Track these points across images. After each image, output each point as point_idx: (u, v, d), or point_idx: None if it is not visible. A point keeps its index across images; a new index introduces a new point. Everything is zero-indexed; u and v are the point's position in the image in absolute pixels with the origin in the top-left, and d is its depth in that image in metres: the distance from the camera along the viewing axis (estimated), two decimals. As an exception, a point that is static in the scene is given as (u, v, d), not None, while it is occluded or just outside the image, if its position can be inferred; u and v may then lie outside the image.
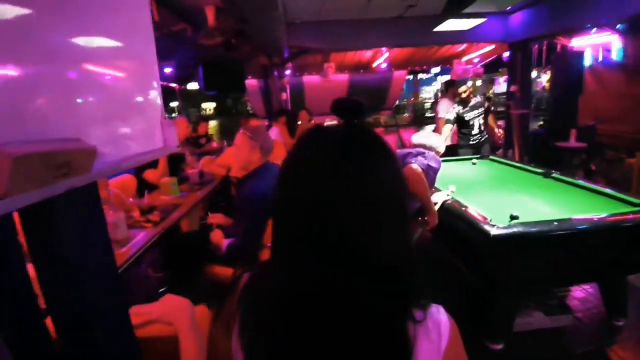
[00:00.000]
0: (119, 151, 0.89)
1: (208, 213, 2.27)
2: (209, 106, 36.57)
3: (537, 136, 5.69)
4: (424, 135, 2.43)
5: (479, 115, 4.22)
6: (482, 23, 4.85)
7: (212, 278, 2.10)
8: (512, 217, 2.08)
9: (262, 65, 5.83)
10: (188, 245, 2.26)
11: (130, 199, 2.25)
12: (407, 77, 23.02)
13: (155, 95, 1.10)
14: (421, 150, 2.28)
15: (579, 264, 2.01)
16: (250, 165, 2.05)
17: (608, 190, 2.47)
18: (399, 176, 0.52)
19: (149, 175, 2.92)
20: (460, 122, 4.25)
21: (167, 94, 10.42)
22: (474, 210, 2.22)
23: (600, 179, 4.73)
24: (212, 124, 30.44)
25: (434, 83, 26.80)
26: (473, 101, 4.22)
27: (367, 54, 8.07)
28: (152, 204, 2.31)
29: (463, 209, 2.27)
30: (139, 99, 1.06)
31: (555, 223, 1.92)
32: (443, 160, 3.93)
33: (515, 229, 1.90)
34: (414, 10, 5.27)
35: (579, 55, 5.43)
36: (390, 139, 7.92)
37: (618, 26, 4.56)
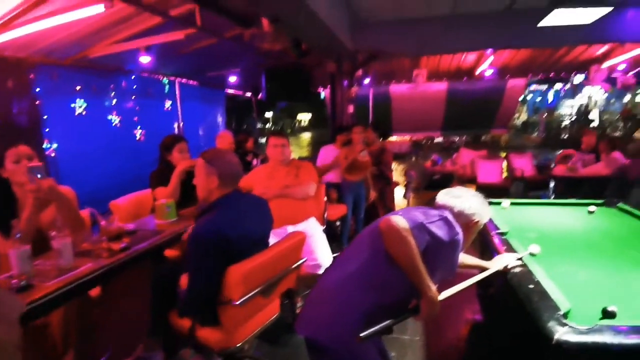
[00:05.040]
0: None
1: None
2: (304, 117, 38.84)
3: None
4: (455, 195, 1.79)
5: None
6: (614, 15, 3.96)
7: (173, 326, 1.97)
8: (606, 314, 1.47)
9: (329, 73, 5.75)
10: (164, 283, 2.16)
11: (104, 222, 2.25)
12: (537, 87, 20.96)
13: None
14: (445, 214, 1.66)
15: None
16: (212, 196, 1.88)
17: None
18: None
19: (159, 193, 2.96)
20: None
21: (245, 105, 11.05)
22: (549, 289, 1.64)
23: None
24: (306, 135, 32.01)
25: (578, 96, 23.70)
26: None
27: (469, 57, 7.42)
28: (123, 229, 2.29)
29: (530, 286, 1.71)
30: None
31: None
32: (543, 204, 3.31)
33: (599, 336, 1.31)
34: (520, 2, 4.63)
35: None
36: (494, 166, 7.02)
37: None
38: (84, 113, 5.08)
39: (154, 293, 2.14)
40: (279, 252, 1.99)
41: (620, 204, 3.10)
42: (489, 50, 6.25)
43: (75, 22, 3.68)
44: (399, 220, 1.50)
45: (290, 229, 2.93)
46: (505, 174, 7.08)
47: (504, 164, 7.16)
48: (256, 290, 1.84)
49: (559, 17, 3.53)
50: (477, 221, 1.78)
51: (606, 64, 7.15)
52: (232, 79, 6.85)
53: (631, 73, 7.21)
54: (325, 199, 4.02)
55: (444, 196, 1.81)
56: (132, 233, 2.32)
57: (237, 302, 1.74)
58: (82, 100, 5.05)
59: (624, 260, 2.13)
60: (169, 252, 2.77)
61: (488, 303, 2.78)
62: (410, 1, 4.87)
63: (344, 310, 1.55)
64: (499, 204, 3.20)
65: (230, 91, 8.11)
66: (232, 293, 1.75)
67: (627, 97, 21.33)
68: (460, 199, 1.76)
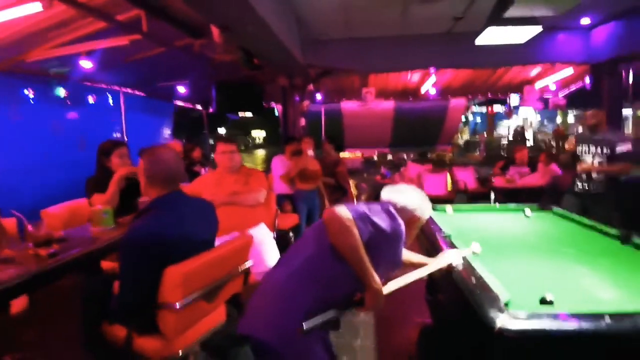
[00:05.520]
0: None
1: None
2: (259, 134, 38.52)
3: (630, 188, 4.79)
4: (399, 191, 1.84)
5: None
6: (545, 38, 4.37)
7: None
8: (544, 302, 1.53)
9: (281, 86, 5.76)
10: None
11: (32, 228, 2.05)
12: (481, 109, 22.37)
13: None
14: (388, 207, 1.71)
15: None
16: (149, 196, 1.79)
17: None
18: None
19: (95, 200, 2.76)
20: None
21: (197, 120, 10.74)
22: (491, 283, 1.68)
23: None
24: (260, 152, 31.71)
25: (514, 117, 25.54)
26: None
27: (414, 78, 7.77)
28: (51, 234, 2.09)
29: (473, 280, 1.75)
30: None
31: (608, 319, 1.33)
32: (484, 209, 3.49)
33: (538, 322, 1.34)
34: (462, 25, 4.93)
35: None
36: (439, 179, 7.29)
37: None
38: (19, 121, 4.70)
39: (86, 305, 1.95)
40: (223, 253, 1.89)
41: (555, 208, 3.30)
42: (432, 70, 6.57)
43: (10, 22, 3.43)
44: (342, 211, 1.50)
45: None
46: (450, 187, 7.36)
47: (449, 177, 7.45)
48: (198, 294, 1.73)
49: (493, 36, 3.79)
50: (419, 216, 1.83)
51: (539, 85, 7.76)
52: (181, 89, 6.65)
53: (561, 95, 7.86)
54: (278, 209, 3.97)
55: (387, 192, 1.85)
56: (62, 240, 2.12)
57: (177, 306, 1.62)
58: (18, 107, 4.67)
59: (558, 256, 2.25)
60: (106, 264, 2.58)
61: (437, 307, 2.83)
62: (360, 22, 5.04)
63: (288, 306, 1.49)
64: (443, 210, 3.31)
65: (180, 103, 7.86)
66: (170, 296, 1.62)
67: (559, 119, 23.35)
68: (403, 194, 1.81)
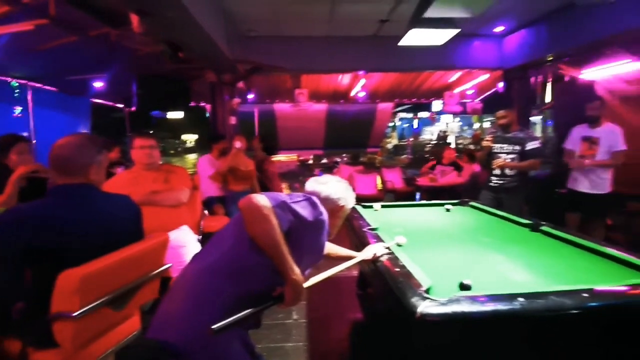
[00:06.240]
0: None
1: None
2: (190, 138, 36.75)
3: (539, 182, 5.26)
4: (322, 182, 1.79)
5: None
6: (463, 44, 4.65)
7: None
8: (463, 287, 1.55)
9: (210, 83, 5.50)
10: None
11: None
12: (409, 115, 23.64)
13: None
14: (313, 199, 1.65)
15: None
16: None
17: (613, 252, 1.95)
18: None
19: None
20: None
21: (120, 122, 9.90)
22: (413, 271, 1.69)
23: (618, 236, 4.25)
24: (192, 157, 30.29)
25: (437, 123, 27.35)
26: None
27: (345, 81, 7.90)
28: None
29: (396, 269, 1.75)
30: None
31: (521, 299, 1.37)
32: (409, 205, 3.63)
33: (458, 306, 1.35)
34: (390, 29, 5.07)
35: (590, 87, 5.22)
36: (369, 180, 7.49)
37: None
38: None
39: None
40: (131, 255, 1.67)
41: (472, 203, 3.49)
42: (361, 73, 6.71)
43: None
44: (260, 199, 1.41)
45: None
46: (379, 187, 7.59)
47: (378, 178, 7.68)
48: (101, 300, 1.51)
49: (415, 38, 3.94)
50: (343, 206, 1.79)
51: (457, 90, 8.28)
52: (98, 84, 6.06)
53: (479, 99, 8.45)
54: (204, 210, 3.73)
55: (311, 183, 1.79)
56: None
57: (75, 314, 1.40)
58: None
59: (476, 245, 2.35)
60: None
61: (366, 301, 2.84)
62: (288, 20, 4.98)
63: (201, 305, 1.35)
64: (371, 207, 3.35)
65: (98, 101, 7.18)
66: (66, 304, 1.40)
67: (476, 125, 25.41)
68: (326, 185, 1.76)
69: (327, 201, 1.71)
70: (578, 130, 3.99)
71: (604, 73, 5.18)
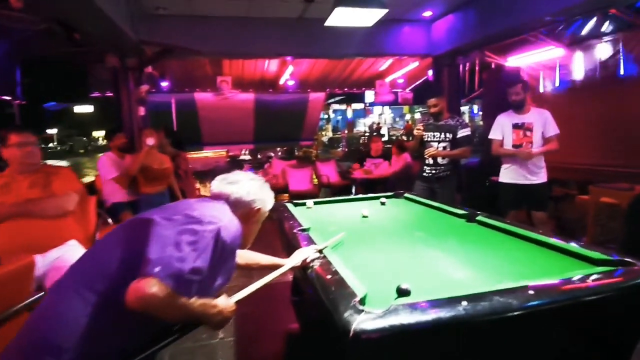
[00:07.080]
0: None
1: None
2: (102, 134, 33.92)
3: (470, 171, 5.48)
4: (231, 181, 1.54)
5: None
6: (393, 30, 4.60)
7: None
8: (401, 292, 1.42)
9: (112, 68, 4.93)
10: None
11: None
12: (343, 106, 24.03)
13: None
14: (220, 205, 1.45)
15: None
16: None
17: (552, 240, 1.96)
18: None
19: None
20: None
21: (9, 115, 8.71)
22: (346, 277, 1.53)
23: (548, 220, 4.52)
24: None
25: (370, 115, 28.20)
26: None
27: (272, 67, 7.63)
28: None
29: (328, 276, 1.58)
30: None
31: (465, 303, 1.26)
32: (342, 200, 3.53)
33: (396, 318, 1.20)
34: (316, 11, 4.89)
35: (516, 74, 5.51)
36: (304, 174, 7.35)
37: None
38: None
39: None
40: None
41: (406, 194, 3.46)
42: (289, 59, 6.51)
43: None
44: (153, 286, 1.13)
45: (39, 259, 2.16)
46: (315, 182, 7.49)
47: (312, 172, 7.57)
48: None
49: (342, 18, 3.80)
50: (259, 208, 1.58)
51: (388, 79, 8.39)
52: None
53: (409, 89, 8.65)
54: (101, 219, 3.26)
55: (218, 183, 1.54)
56: None
57: None
58: None
59: (412, 240, 2.27)
60: None
61: (301, 309, 2.66)
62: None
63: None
64: (304, 204, 3.17)
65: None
66: None
67: (408, 116, 26.58)
68: (237, 184, 1.52)
69: (239, 205, 1.49)
70: (505, 118, 3.84)
71: (528, 60, 5.52)
